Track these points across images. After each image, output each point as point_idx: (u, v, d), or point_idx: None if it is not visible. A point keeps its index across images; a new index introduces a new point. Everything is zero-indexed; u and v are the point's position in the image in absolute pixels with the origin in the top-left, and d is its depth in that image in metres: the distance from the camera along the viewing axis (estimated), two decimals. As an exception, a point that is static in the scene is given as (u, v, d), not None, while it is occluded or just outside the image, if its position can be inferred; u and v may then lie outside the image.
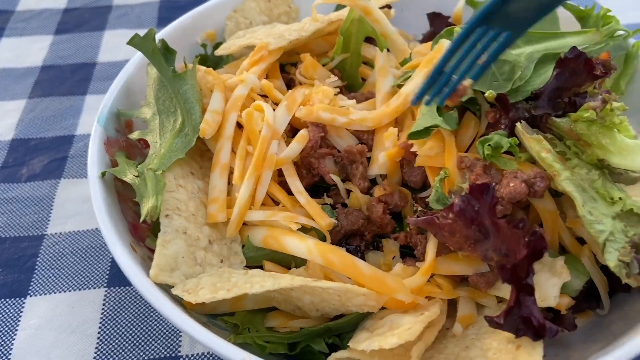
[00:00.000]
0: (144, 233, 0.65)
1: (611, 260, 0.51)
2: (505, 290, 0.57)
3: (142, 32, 1.16)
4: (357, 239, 0.69)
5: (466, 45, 0.54)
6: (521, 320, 0.50)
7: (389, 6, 0.93)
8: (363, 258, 0.67)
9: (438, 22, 0.92)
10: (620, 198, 0.54)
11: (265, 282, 0.53)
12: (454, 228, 0.53)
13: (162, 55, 0.71)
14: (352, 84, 0.82)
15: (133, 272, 0.55)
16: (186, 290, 0.54)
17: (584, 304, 0.60)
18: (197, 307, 0.60)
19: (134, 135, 0.69)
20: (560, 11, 0.81)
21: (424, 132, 0.62)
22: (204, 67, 0.75)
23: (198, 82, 0.72)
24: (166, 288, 0.57)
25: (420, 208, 0.61)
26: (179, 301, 0.57)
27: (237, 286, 0.53)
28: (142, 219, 0.58)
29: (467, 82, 0.59)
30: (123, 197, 0.66)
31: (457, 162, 0.61)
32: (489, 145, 0.59)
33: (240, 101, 0.70)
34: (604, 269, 0.59)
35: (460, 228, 0.52)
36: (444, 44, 0.69)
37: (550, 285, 0.53)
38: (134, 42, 0.69)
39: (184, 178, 0.64)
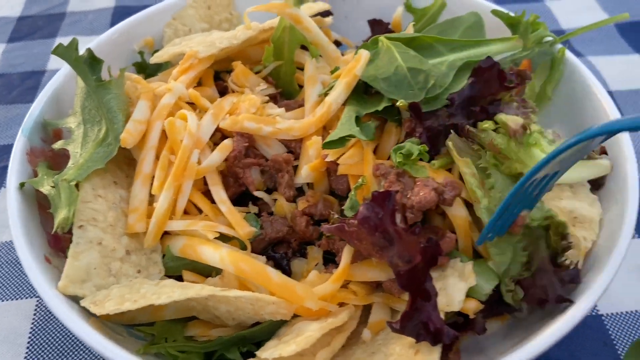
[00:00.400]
0: (65, 243, 0.65)
1: (503, 289, 0.54)
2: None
3: (93, 39, 1.16)
4: (283, 247, 0.70)
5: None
6: (422, 325, 0.50)
7: (330, 13, 0.94)
8: (289, 265, 0.68)
9: (378, 29, 0.93)
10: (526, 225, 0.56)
11: (173, 292, 0.53)
12: (360, 235, 0.53)
13: (88, 64, 0.71)
14: (289, 91, 0.82)
15: (38, 282, 0.55)
16: (94, 302, 0.54)
17: (502, 307, 0.61)
18: (114, 317, 0.60)
19: (57, 145, 0.69)
20: (492, 19, 0.82)
21: (339, 142, 0.63)
22: (136, 76, 0.75)
23: (127, 91, 0.72)
24: (78, 299, 0.57)
25: (336, 216, 0.62)
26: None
27: (145, 297, 0.54)
28: (53, 230, 0.58)
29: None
30: (45, 207, 0.66)
31: (372, 170, 0.62)
32: (401, 153, 0.60)
33: (166, 110, 0.70)
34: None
35: (365, 235, 0.53)
36: (363, 53, 0.70)
37: (457, 289, 0.54)
38: (58, 51, 0.69)
39: (104, 188, 0.64)
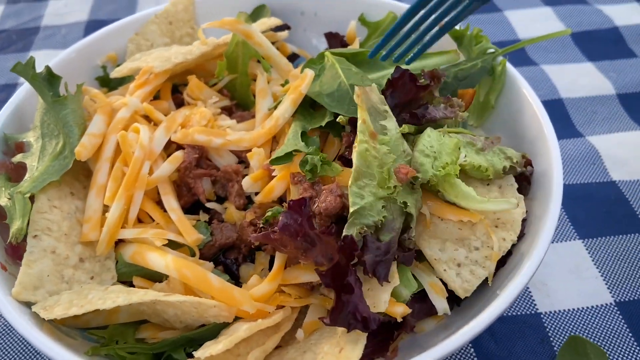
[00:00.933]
0: (23, 252, 0.68)
1: (347, 230, 0.57)
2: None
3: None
4: (234, 252, 0.73)
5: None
6: (351, 316, 0.54)
7: (287, 27, 0.98)
8: (238, 270, 0.71)
9: (334, 42, 0.97)
10: (395, 187, 0.59)
11: (117, 297, 0.57)
12: (283, 241, 0.57)
13: (47, 80, 0.75)
14: (245, 102, 0.86)
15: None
16: (44, 308, 0.58)
17: (430, 309, 0.65)
18: (69, 321, 0.63)
19: (16, 159, 0.72)
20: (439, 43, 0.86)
21: (286, 157, 0.67)
22: (95, 91, 0.79)
23: (85, 106, 0.76)
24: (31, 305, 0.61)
25: (261, 225, 0.65)
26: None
27: (91, 302, 0.57)
28: (8, 240, 0.62)
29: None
30: (3, 217, 0.70)
31: (290, 178, 0.66)
32: (307, 170, 0.64)
33: (122, 124, 0.73)
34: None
35: (288, 241, 0.56)
36: (308, 73, 0.74)
37: (382, 290, 0.58)
38: (16, 69, 0.73)
39: (60, 199, 0.68)
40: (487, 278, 0.63)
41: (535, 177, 0.72)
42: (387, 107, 0.67)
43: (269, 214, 0.64)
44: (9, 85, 1.14)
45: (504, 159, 0.71)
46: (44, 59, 1.19)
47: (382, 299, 0.57)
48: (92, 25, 1.28)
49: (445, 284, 0.63)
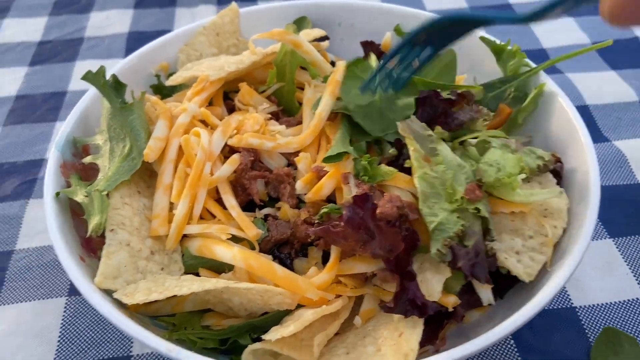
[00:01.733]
0: (96, 245, 0.74)
1: (433, 247, 0.62)
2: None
3: (110, 62, 1.27)
4: (287, 247, 0.78)
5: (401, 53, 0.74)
6: (408, 302, 0.59)
7: (327, 37, 1.03)
8: (292, 264, 0.76)
9: (370, 50, 1.02)
10: (461, 197, 0.64)
11: (192, 285, 0.62)
12: (346, 234, 0.62)
13: (113, 88, 0.80)
14: (290, 108, 0.91)
15: (77, 279, 0.63)
16: (125, 294, 0.63)
17: (477, 300, 0.69)
18: (141, 309, 0.69)
19: (87, 160, 0.78)
20: (478, 43, 0.91)
21: (337, 157, 0.72)
22: (155, 98, 0.84)
23: (146, 112, 0.81)
24: (110, 293, 0.66)
25: (316, 221, 0.71)
26: (124, 305, 0.65)
27: (169, 289, 0.62)
28: (88, 234, 0.67)
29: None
30: (78, 214, 0.75)
31: (341, 178, 0.71)
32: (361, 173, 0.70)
33: (182, 128, 0.79)
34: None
35: (351, 233, 0.61)
36: (341, 64, 0.81)
37: (435, 281, 0.62)
38: (87, 77, 0.78)
39: (130, 197, 0.73)
40: (545, 263, 0.67)
41: (571, 176, 0.77)
42: (429, 131, 0.73)
43: (325, 210, 0.69)
44: (57, 93, 1.20)
45: (535, 158, 0.76)
46: (90, 68, 1.25)
47: (436, 289, 0.62)
48: (134, 37, 1.35)
49: (495, 277, 0.68)
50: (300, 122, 0.85)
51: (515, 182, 0.65)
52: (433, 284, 0.62)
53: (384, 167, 0.70)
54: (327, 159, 0.73)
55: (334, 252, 0.68)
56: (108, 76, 0.82)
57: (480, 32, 0.94)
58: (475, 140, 0.71)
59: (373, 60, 0.86)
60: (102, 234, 0.73)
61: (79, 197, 0.71)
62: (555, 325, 0.80)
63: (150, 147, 0.75)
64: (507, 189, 0.66)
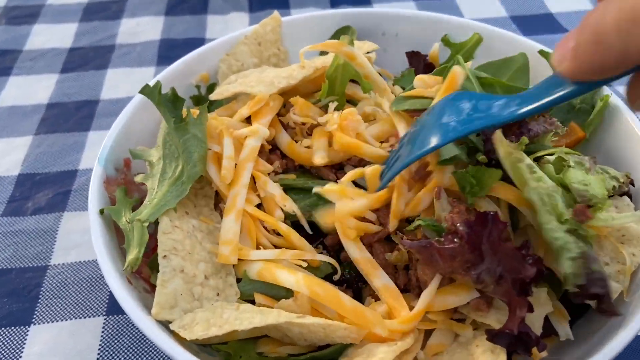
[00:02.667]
0: (140, 266, 0.70)
1: (565, 267, 0.56)
2: (491, 318, 0.62)
3: (142, 70, 1.24)
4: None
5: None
6: (516, 336, 0.55)
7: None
8: (361, 289, 0.71)
9: (416, 61, 0.99)
10: (567, 219, 0.59)
11: (254, 318, 0.58)
12: (456, 252, 0.57)
13: (171, 102, 0.76)
14: (338, 123, 0.88)
15: (129, 306, 0.60)
16: (182, 327, 0.59)
17: (551, 329, 0.65)
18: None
19: (138, 179, 0.74)
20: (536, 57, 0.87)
21: (449, 160, 0.67)
22: (213, 114, 0.80)
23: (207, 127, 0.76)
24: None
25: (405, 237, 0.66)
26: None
27: (229, 322, 0.58)
28: (123, 268, 0.64)
29: None
30: (122, 231, 0.72)
31: (435, 193, 0.66)
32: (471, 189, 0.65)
33: (256, 152, 0.76)
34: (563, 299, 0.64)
35: (464, 252, 0.56)
36: (457, 69, 0.73)
37: (536, 317, 0.58)
38: (145, 91, 0.75)
39: (179, 219, 0.69)
40: (622, 292, 0.63)
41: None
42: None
43: (419, 222, 0.64)
44: (90, 102, 1.17)
45: (609, 178, 0.71)
46: (122, 76, 1.24)
47: (537, 324, 0.58)
48: (165, 44, 1.32)
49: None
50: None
51: (606, 204, 0.60)
52: (534, 320, 0.58)
53: (493, 173, 0.64)
54: (444, 162, 0.66)
55: (435, 280, 0.62)
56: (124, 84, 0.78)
57: (539, 45, 0.90)
58: (552, 157, 0.66)
59: None
60: (145, 253, 0.70)
61: (122, 223, 0.68)
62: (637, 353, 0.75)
63: (226, 168, 0.72)
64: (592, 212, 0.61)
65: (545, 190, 0.59)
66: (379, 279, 0.65)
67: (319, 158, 0.75)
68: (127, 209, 0.70)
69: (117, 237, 0.71)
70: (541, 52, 0.86)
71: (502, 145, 0.62)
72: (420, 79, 0.79)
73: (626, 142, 0.78)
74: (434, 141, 0.62)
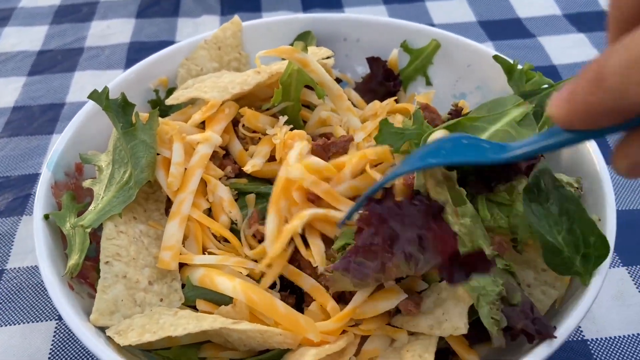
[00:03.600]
0: (87, 271, 0.71)
1: (484, 315, 0.56)
2: (422, 325, 0.62)
3: (110, 73, 1.24)
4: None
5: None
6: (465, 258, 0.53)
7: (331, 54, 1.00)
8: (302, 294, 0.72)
9: (376, 66, 0.99)
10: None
11: (188, 324, 0.58)
12: (370, 237, 0.58)
13: (121, 108, 0.76)
14: (295, 127, 0.88)
15: (65, 312, 0.60)
16: (117, 332, 0.60)
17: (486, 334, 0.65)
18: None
19: (85, 184, 0.74)
20: (489, 61, 0.88)
21: None
22: (161, 119, 0.80)
23: (158, 132, 0.76)
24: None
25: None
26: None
27: (163, 328, 0.59)
28: (63, 274, 0.65)
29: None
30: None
31: None
32: None
33: (206, 159, 0.76)
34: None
35: (376, 232, 0.57)
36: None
37: (458, 313, 0.59)
38: (93, 96, 0.74)
39: (125, 224, 0.70)
40: (555, 300, 0.64)
41: (584, 201, 0.73)
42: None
43: (340, 242, 0.65)
44: (56, 105, 1.17)
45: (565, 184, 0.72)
46: (89, 79, 1.24)
47: (462, 320, 0.58)
48: (135, 47, 1.32)
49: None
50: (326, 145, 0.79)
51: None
52: (456, 317, 0.58)
53: None
54: None
55: (357, 299, 0.63)
56: (88, 88, 0.78)
57: (484, 49, 0.91)
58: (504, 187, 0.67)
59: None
60: (93, 258, 0.70)
61: (65, 229, 0.68)
62: (567, 358, 0.76)
63: (173, 175, 0.72)
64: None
65: (467, 229, 0.59)
66: (307, 283, 0.67)
67: (250, 166, 0.76)
68: (73, 214, 0.70)
69: (64, 242, 0.71)
70: (495, 57, 0.87)
71: (430, 185, 0.61)
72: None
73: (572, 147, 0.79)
74: (412, 163, 0.59)
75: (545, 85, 0.84)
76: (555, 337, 0.58)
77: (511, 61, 0.87)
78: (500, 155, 0.54)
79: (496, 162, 0.54)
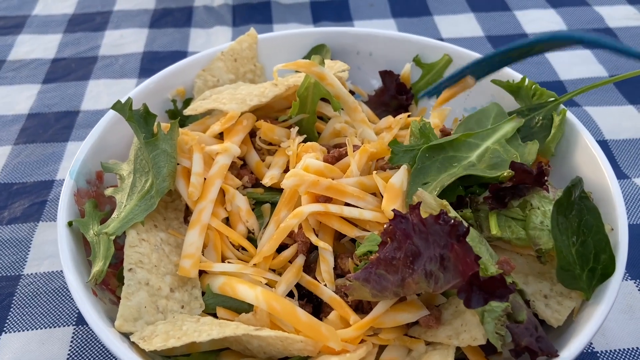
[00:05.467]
0: (108, 278, 0.72)
1: (489, 330, 0.57)
2: (441, 336, 0.64)
3: (123, 82, 1.26)
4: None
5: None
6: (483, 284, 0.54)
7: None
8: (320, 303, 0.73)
9: (389, 80, 1.01)
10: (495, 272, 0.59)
11: (212, 330, 0.60)
12: (393, 253, 0.60)
13: (143, 118, 0.78)
14: (309, 138, 0.90)
15: (91, 317, 0.61)
16: (142, 338, 0.61)
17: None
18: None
19: (107, 192, 0.76)
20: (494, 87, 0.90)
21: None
22: (181, 129, 0.82)
23: (178, 142, 0.78)
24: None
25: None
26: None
27: (187, 334, 0.60)
28: (87, 281, 0.66)
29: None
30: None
31: None
32: None
33: (225, 169, 0.78)
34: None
35: (400, 247, 0.59)
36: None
37: (475, 324, 0.60)
38: (116, 107, 0.76)
39: (147, 232, 0.71)
40: (573, 310, 0.65)
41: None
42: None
43: (363, 248, 0.66)
44: (70, 112, 1.19)
45: None
46: (103, 87, 1.26)
47: (480, 331, 0.59)
48: (148, 57, 1.34)
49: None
50: (340, 155, 0.81)
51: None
52: (475, 327, 0.60)
53: None
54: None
55: (378, 309, 0.64)
56: (103, 97, 0.80)
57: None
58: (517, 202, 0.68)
59: None
60: (113, 264, 0.72)
61: (89, 236, 0.70)
62: (577, 371, 0.77)
63: (193, 185, 0.74)
64: None
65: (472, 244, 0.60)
66: (325, 293, 0.68)
67: (268, 179, 0.78)
68: (96, 221, 0.72)
69: (86, 249, 0.73)
70: (493, 81, 0.90)
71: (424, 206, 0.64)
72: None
73: (582, 158, 0.81)
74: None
75: (551, 99, 0.86)
76: (558, 356, 0.59)
77: (517, 78, 0.89)
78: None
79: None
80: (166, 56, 1.33)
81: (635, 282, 0.87)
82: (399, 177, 0.72)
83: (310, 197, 0.73)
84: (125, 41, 1.39)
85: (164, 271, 0.68)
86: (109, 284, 0.72)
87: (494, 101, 0.92)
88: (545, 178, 0.71)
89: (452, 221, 0.56)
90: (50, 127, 1.16)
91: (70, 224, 0.72)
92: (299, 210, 0.69)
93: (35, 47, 1.38)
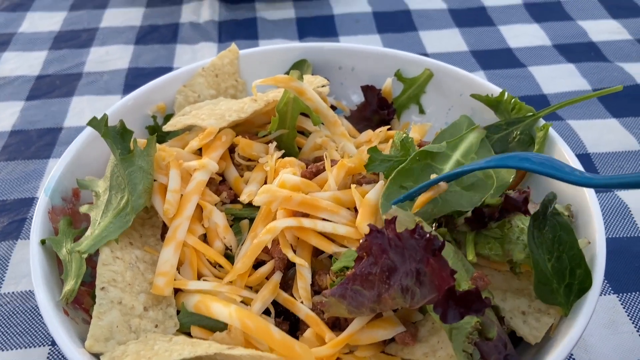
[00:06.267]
0: (82, 296, 0.71)
1: (456, 348, 0.57)
2: (418, 353, 0.63)
3: (107, 98, 1.25)
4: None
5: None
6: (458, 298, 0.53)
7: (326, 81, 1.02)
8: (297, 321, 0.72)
9: (370, 95, 1.02)
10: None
11: (183, 350, 0.59)
12: (369, 267, 0.59)
13: (119, 134, 0.77)
14: (289, 153, 0.89)
15: (60, 337, 0.60)
16: (112, 359, 0.60)
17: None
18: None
19: (82, 210, 0.75)
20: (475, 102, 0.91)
21: None
22: (158, 145, 0.81)
23: (155, 158, 0.77)
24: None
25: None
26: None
27: (158, 354, 0.59)
28: (59, 299, 0.65)
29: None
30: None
31: None
32: None
33: (203, 185, 0.77)
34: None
35: (375, 262, 0.58)
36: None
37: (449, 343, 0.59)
38: (92, 123, 0.75)
39: (121, 250, 0.70)
40: (551, 326, 0.64)
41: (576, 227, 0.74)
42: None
43: (339, 264, 0.65)
44: (53, 129, 1.18)
45: None
46: (87, 104, 1.25)
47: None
48: (133, 73, 1.34)
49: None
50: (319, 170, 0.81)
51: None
52: (451, 344, 0.58)
53: None
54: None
55: (356, 323, 0.64)
56: (87, 114, 0.79)
57: (485, 80, 0.94)
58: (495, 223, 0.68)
59: None
60: (88, 283, 0.71)
61: (62, 254, 0.69)
62: (560, 387, 0.76)
63: (169, 202, 0.73)
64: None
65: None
66: (302, 310, 0.67)
67: (246, 195, 0.77)
68: (69, 239, 0.71)
69: (60, 267, 0.72)
70: (473, 96, 0.90)
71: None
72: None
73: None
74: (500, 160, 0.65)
75: (530, 114, 0.86)
76: None
77: (496, 92, 0.89)
78: (582, 178, 0.57)
79: (579, 183, 0.58)
80: (151, 72, 1.33)
81: (617, 296, 0.86)
82: (375, 192, 0.71)
83: (286, 213, 0.72)
84: (110, 57, 1.39)
85: (139, 289, 0.67)
86: (83, 303, 0.71)
87: (473, 115, 0.92)
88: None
89: (428, 235, 0.56)
90: (33, 144, 1.15)
91: (43, 242, 0.71)
92: (272, 225, 0.69)
93: (20, 64, 1.37)
